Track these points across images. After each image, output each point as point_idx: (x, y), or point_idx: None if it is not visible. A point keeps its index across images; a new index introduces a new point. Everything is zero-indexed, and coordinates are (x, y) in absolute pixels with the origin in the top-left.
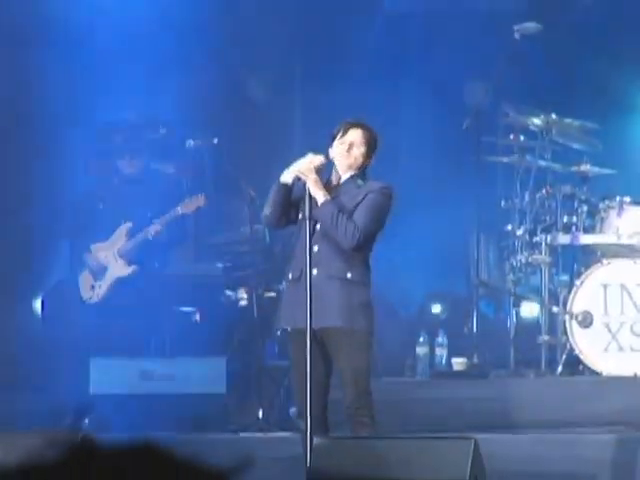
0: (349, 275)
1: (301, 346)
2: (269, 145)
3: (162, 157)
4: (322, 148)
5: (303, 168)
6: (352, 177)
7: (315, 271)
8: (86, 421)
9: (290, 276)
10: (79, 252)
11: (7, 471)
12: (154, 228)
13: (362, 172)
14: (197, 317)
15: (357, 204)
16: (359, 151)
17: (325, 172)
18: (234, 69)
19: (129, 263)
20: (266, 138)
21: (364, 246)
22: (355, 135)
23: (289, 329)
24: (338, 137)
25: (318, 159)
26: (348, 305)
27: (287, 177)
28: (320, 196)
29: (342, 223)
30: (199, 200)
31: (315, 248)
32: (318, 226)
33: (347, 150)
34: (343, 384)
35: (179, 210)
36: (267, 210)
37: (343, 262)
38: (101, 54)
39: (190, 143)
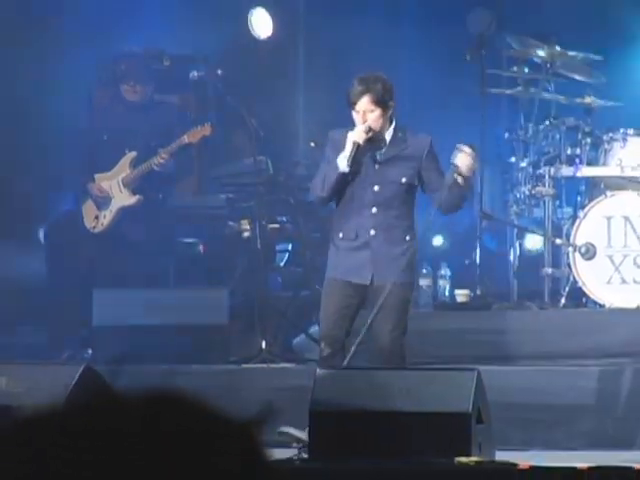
0: (407, 237)
1: (339, 292)
2: (272, 78)
3: (166, 88)
4: (324, 81)
5: (357, 137)
6: (393, 140)
7: (372, 232)
8: (89, 351)
9: (341, 235)
10: (83, 182)
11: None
12: (160, 157)
13: (395, 129)
14: (200, 248)
15: (413, 166)
16: (374, 114)
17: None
18: (238, 2)
19: (133, 193)
20: (269, 71)
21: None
22: (363, 103)
23: (348, 280)
24: (352, 109)
25: (365, 126)
26: (407, 264)
27: (344, 164)
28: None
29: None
30: (205, 129)
31: (374, 210)
32: (376, 188)
33: (364, 120)
34: (381, 325)
35: (185, 139)
36: (324, 193)
37: (402, 226)
38: None
39: (194, 74)
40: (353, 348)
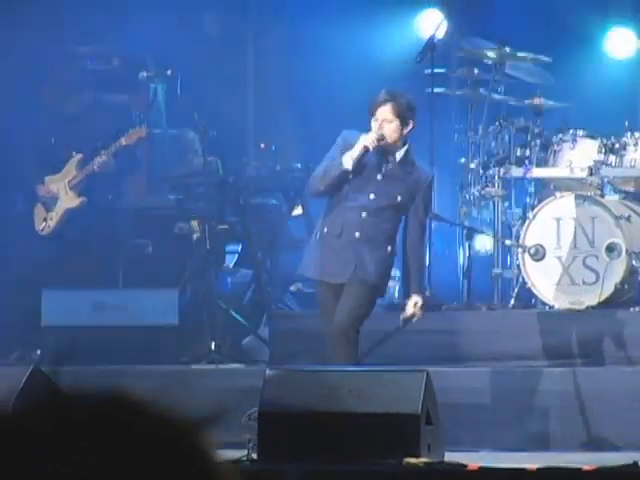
0: (389, 248)
1: (330, 295)
2: (222, 78)
3: (115, 89)
4: (274, 82)
5: (368, 141)
6: (402, 161)
7: (357, 234)
8: (37, 352)
9: (326, 230)
10: (33, 184)
11: None
12: (100, 159)
13: (408, 152)
14: (150, 249)
15: (411, 192)
16: (392, 126)
17: None
18: (189, 1)
19: (79, 195)
20: (219, 71)
21: None
22: (384, 112)
23: (324, 280)
24: (372, 115)
25: (379, 133)
26: (384, 271)
27: (349, 162)
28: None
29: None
30: (141, 131)
31: (363, 214)
32: (371, 196)
33: (380, 128)
34: (342, 306)
35: (122, 141)
36: (321, 187)
37: (385, 237)
38: None
39: (143, 75)
40: None
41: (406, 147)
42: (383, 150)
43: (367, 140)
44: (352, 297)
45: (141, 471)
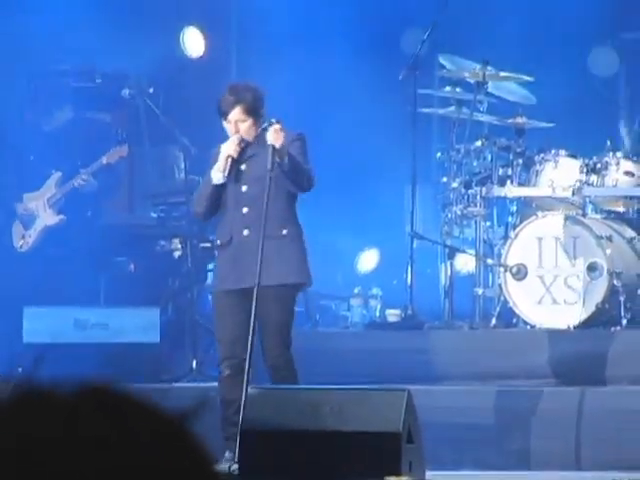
0: (284, 232)
1: (227, 304)
2: (205, 96)
3: (97, 106)
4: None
5: (231, 149)
6: (261, 141)
7: (246, 232)
8: (19, 370)
9: (219, 242)
10: (11, 201)
11: None
12: (80, 178)
13: (263, 131)
14: (131, 267)
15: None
16: (246, 124)
17: None
18: (171, 20)
19: (57, 212)
20: (202, 89)
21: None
22: (234, 114)
23: (220, 290)
24: (224, 119)
25: (236, 137)
26: (285, 261)
27: (219, 177)
28: (283, 154)
29: (305, 169)
30: (122, 151)
31: (244, 210)
32: (244, 188)
33: (235, 130)
34: (269, 341)
35: (104, 160)
36: (200, 209)
37: (278, 220)
38: (39, 4)
39: (125, 92)
40: (247, 367)
41: (260, 129)
42: (243, 148)
43: (229, 149)
44: (273, 322)
45: (126, 467)
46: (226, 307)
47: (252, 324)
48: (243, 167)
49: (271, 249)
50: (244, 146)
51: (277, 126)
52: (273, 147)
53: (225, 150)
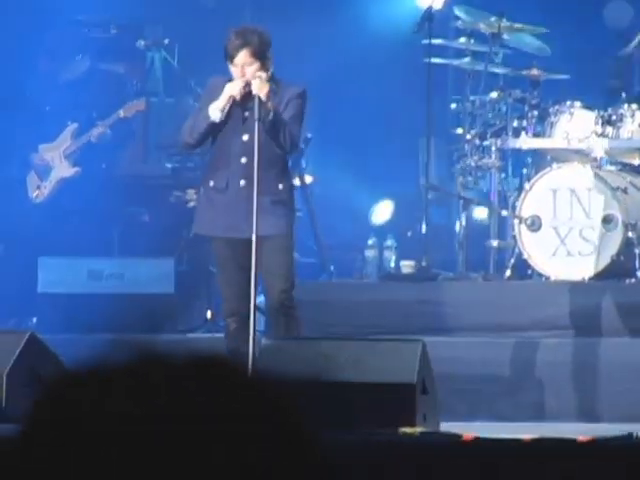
0: (280, 186)
1: (230, 253)
2: (219, 46)
3: (112, 57)
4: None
5: (235, 90)
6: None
7: (243, 182)
8: (34, 320)
9: (212, 184)
10: (26, 152)
11: None
12: (97, 130)
13: (271, 80)
14: (146, 217)
15: (283, 109)
16: (252, 68)
17: None
18: None
19: (73, 164)
20: (216, 39)
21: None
22: (241, 57)
23: (216, 236)
24: (230, 63)
25: (242, 80)
26: (282, 214)
27: (217, 115)
28: (269, 106)
29: (289, 127)
30: (139, 104)
31: (243, 160)
32: (245, 137)
33: (242, 74)
34: (272, 282)
35: (121, 113)
36: (191, 140)
37: (274, 174)
38: None
39: (141, 43)
40: (253, 320)
41: (268, 75)
42: (249, 92)
43: (233, 89)
44: (276, 267)
45: (241, 435)
46: (228, 260)
47: (254, 275)
48: (247, 114)
49: (266, 202)
50: (249, 91)
51: (262, 75)
52: (259, 98)
53: (229, 90)
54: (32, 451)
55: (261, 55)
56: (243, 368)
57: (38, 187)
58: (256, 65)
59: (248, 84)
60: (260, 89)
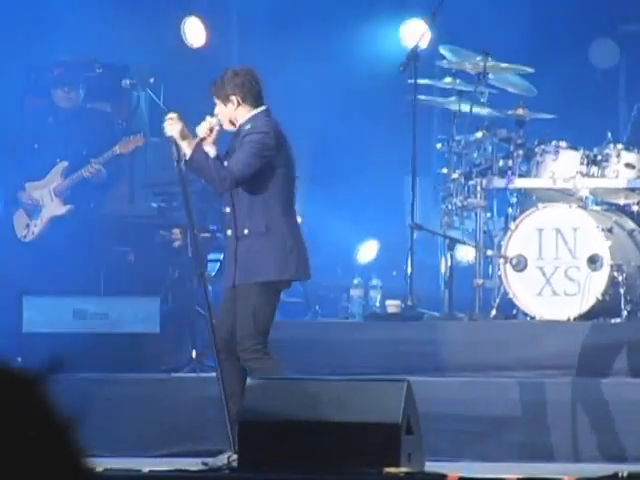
0: (246, 231)
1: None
2: (205, 86)
3: (98, 96)
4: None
5: (200, 129)
6: (240, 126)
7: (229, 232)
8: (18, 360)
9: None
10: (13, 190)
11: None
12: (92, 167)
13: (251, 118)
14: (131, 257)
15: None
16: (216, 109)
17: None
18: (171, 10)
19: (65, 202)
20: (202, 79)
21: (236, 187)
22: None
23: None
24: None
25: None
26: (244, 261)
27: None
28: (185, 146)
29: (211, 167)
30: (137, 140)
31: (227, 209)
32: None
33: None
34: (235, 330)
35: (117, 150)
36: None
37: (242, 219)
38: None
39: (126, 82)
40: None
41: (248, 117)
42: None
43: (199, 128)
44: (239, 322)
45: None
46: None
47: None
48: (225, 163)
49: (239, 249)
50: (225, 133)
51: (170, 115)
52: (173, 139)
53: (197, 130)
54: None
55: (221, 96)
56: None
57: (27, 226)
58: (220, 107)
59: (218, 123)
60: (168, 129)
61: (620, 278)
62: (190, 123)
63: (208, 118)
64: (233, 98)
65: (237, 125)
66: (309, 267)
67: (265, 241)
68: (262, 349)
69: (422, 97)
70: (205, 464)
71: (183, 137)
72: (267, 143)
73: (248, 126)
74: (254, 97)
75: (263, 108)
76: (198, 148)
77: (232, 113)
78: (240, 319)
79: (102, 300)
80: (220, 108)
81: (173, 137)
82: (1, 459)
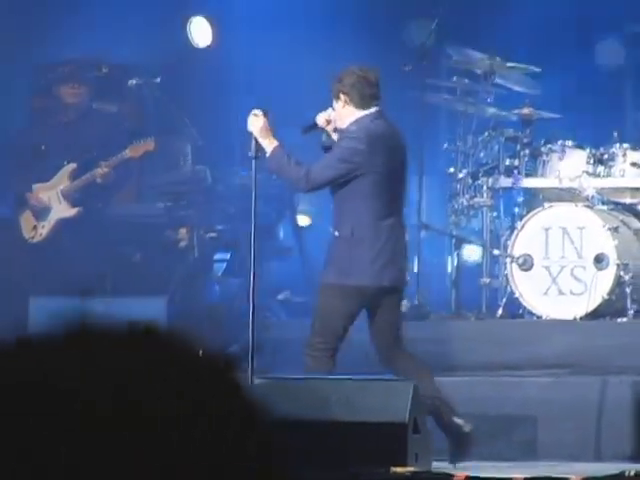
0: (337, 233)
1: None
2: (211, 87)
3: (104, 96)
4: (262, 89)
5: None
6: (346, 126)
7: (336, 232)
8: None
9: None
10: (20, 192)
11: None
12: (102, 170)
13: (354, 121)
14: (138, 257)
15: None
16: (336, 110)
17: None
18: (178, 10)
19: (73, 204)
20: (209, 79)
21: (317, 188)
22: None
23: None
24: None
25: (257, 114)
26: (327, 261)
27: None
28: (266, 145)
29: (290, 168)
30: (148, 145)
31: (333, 207)
32: None
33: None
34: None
35: (127, 153)
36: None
37: (336, 221)
38: None
39: (132, 82)
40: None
41: (354, 119)
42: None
43: (319, 118)
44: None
45: (181, 403)
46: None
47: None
48: None
49: (330, 248)
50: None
51: (255, 111)
52: (253, 135)
53: (317, 118)
54: None
55: (335, 95)
56: (185, 341)
57: (35, 227)
58: (335, 104)
59: (328, 120)
60: (252, 125)
61: (626, 277)
62: (196, 122)
63: (329, 109)
64: (342, 97)
65: (344, 124)
66: (395, 274)
67: (349, 246)
68: (324, 349)
69: (430, 99)
70: None
71: (264, 135)
72: (356, 148)
73: (350, 128)
74: (362, 99)
75: (370, 111)
76: (279, 148)
77: (339, 111)
78: (312, 316)
79: (109, 300)
80: (335, 104)
81: (254, 133)
82: None
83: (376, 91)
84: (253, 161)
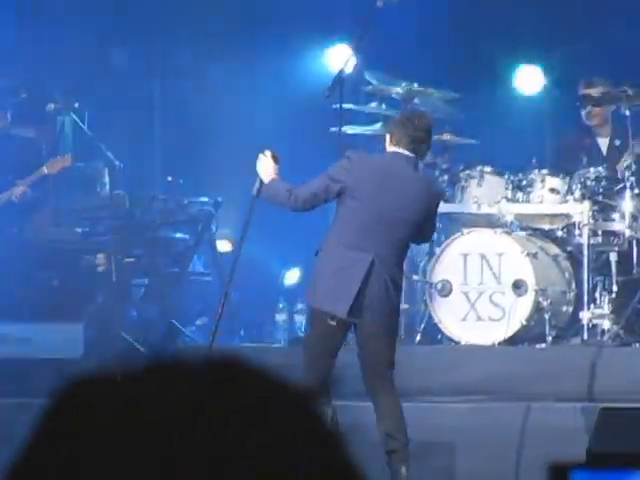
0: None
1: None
2: (129, 110)
3: (22, 121)
4: (180, 114)
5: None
6: None
7: None
8: None
9: None
10: None
11: None
12: (19, 189)
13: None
14: (55, 282)
15: None
16: None
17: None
18: (96, 35)
19: None
20: (126, 103)
21: (304, 204)
22: None
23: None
24: None
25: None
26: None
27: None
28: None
29: (279, 192)
30: (66, 160)
31: None
32: None
33: None
34: None
35: (44, 170)
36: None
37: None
38: None
39: (50, 107)
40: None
41: None
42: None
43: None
44: None
45: (260, 436)
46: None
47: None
48: None
49: None
50: None
51: (266, 152)
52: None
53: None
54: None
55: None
56: (267, 372)
57: None
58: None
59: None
60: (261, 168)
61: (545, 303)
62: (113, 148)
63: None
64: (388, 133)
65: None
66: (341, 306)
67: (315, 265)
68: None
69: (348, 127)
70: None
71: (270, 178)
72: (343, 167)
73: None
74: (400, 138)
75: (395, 149)
76: (276, 178)
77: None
78: None
79: (25, 325)
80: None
81: (260, 175)
82: None
83: (417, 136)
84: (253, 199)
